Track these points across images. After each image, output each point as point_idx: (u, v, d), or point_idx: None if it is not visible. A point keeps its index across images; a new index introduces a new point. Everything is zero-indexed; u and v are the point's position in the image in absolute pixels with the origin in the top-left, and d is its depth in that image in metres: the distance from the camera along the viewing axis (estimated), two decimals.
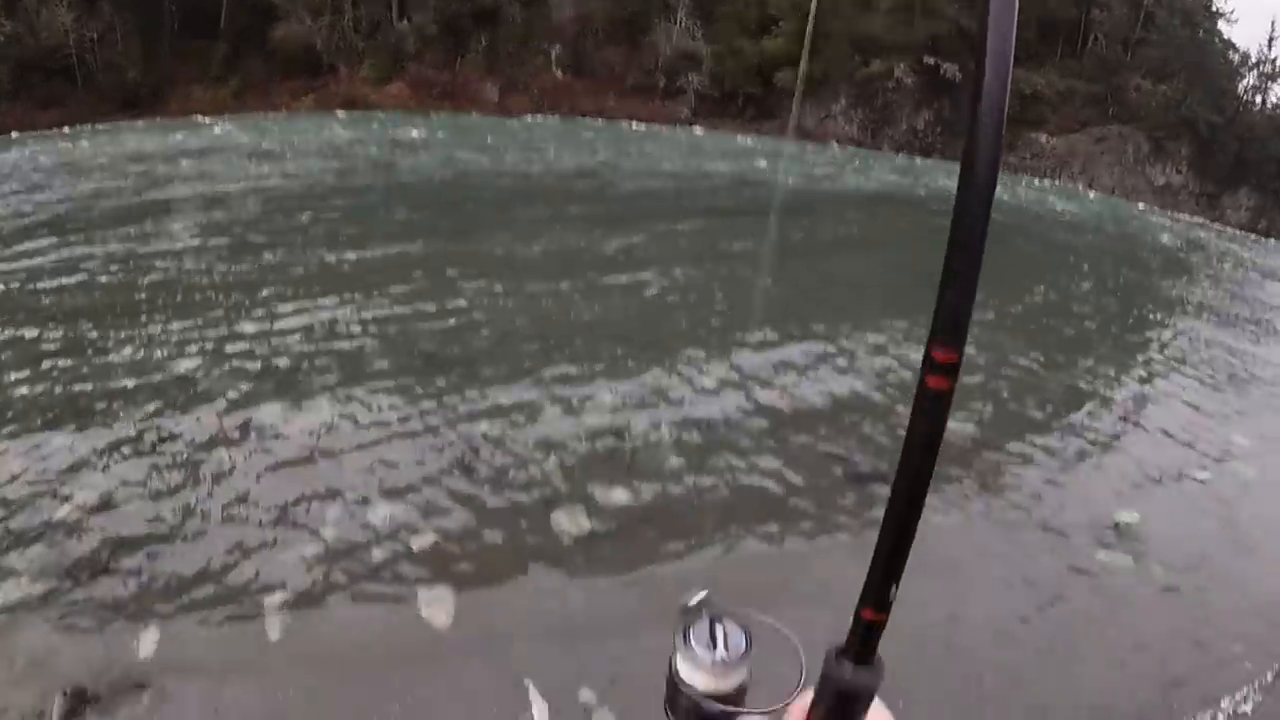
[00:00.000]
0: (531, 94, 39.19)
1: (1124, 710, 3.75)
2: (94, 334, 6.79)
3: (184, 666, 3.54)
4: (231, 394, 5.86)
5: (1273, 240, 42.77)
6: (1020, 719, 3.68)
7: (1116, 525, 5.18)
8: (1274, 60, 49.85)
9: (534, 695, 3.60)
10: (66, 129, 35.17)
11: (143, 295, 7.71)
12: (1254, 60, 49.91)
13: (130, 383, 5.94)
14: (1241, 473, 5.95)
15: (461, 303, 7.93)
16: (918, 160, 36.32)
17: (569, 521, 4.75)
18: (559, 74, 39.58)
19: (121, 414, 5.52)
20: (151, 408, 5.64)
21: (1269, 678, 4.01)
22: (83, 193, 13.50)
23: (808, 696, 0.62)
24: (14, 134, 29.52)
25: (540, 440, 5.54)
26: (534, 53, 39.48)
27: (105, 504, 4.58)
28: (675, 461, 5.34)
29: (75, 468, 4.89)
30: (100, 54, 46.57)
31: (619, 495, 5.03)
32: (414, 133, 26.01)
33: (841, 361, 7.16)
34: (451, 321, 7.47)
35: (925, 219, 15.48)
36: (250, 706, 3.43)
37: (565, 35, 39.68)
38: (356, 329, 7.31)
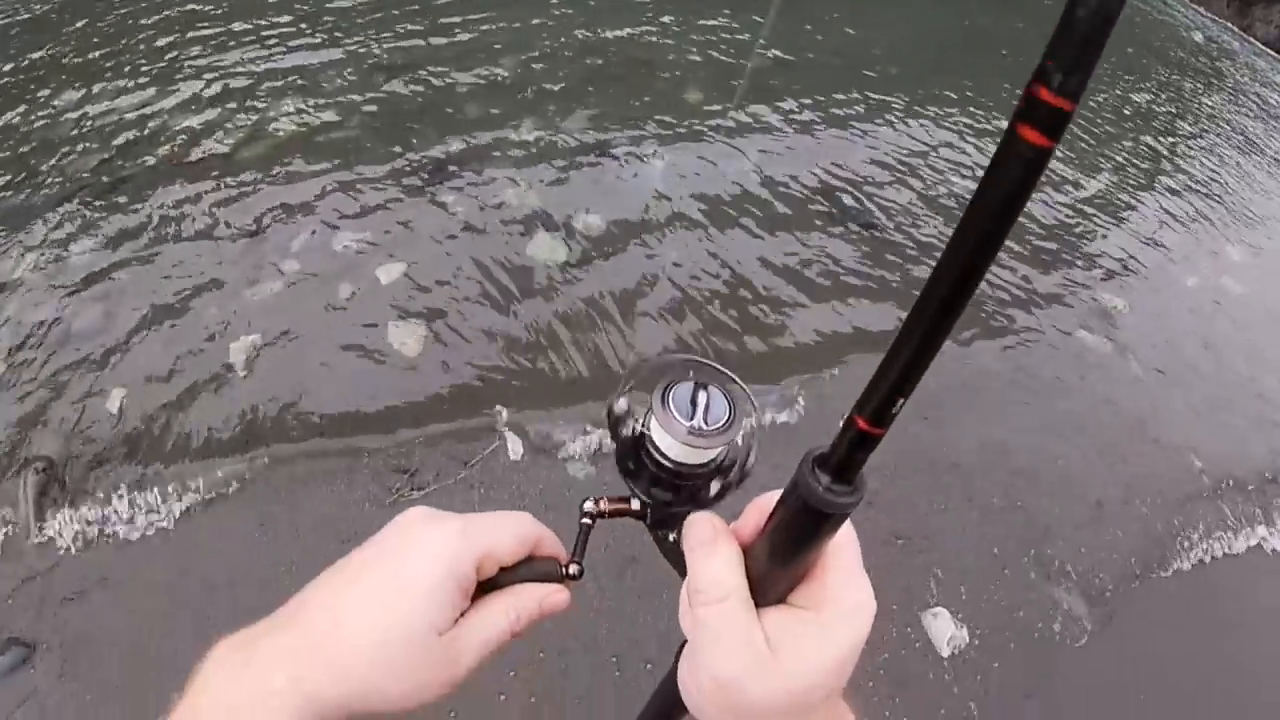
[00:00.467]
0: None
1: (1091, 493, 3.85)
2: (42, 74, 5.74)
3: (152, 420, 3.36)
4: (187, 124, 5.19)
5: None
6: (998, 488, 3.72)
7: (1104, 310, 5.08)
8: None
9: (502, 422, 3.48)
10: None
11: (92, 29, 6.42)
12: None
13: (78, 121, 5.22)
14: (1228, 287, 5.84)
15: (435, 21, 6.80)
16: None
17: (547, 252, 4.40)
18: None
19: (73, 157, 4.86)
20: (100, 146, 4.97)
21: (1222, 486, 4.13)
22: None
23: (773, 497, 0.54)
24: None
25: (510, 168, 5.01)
26: None
27: (58, 259, 4.11)
28: (655, 205, 4.90)
29: (21, 221, 4.34)
30: None
31: (594, 222, 4.63)
32: None
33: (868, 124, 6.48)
34: (418, 43, 6.46)
35: None
36: (220, 432, 3.31)
37: None
38: (317, 39, 6.31)
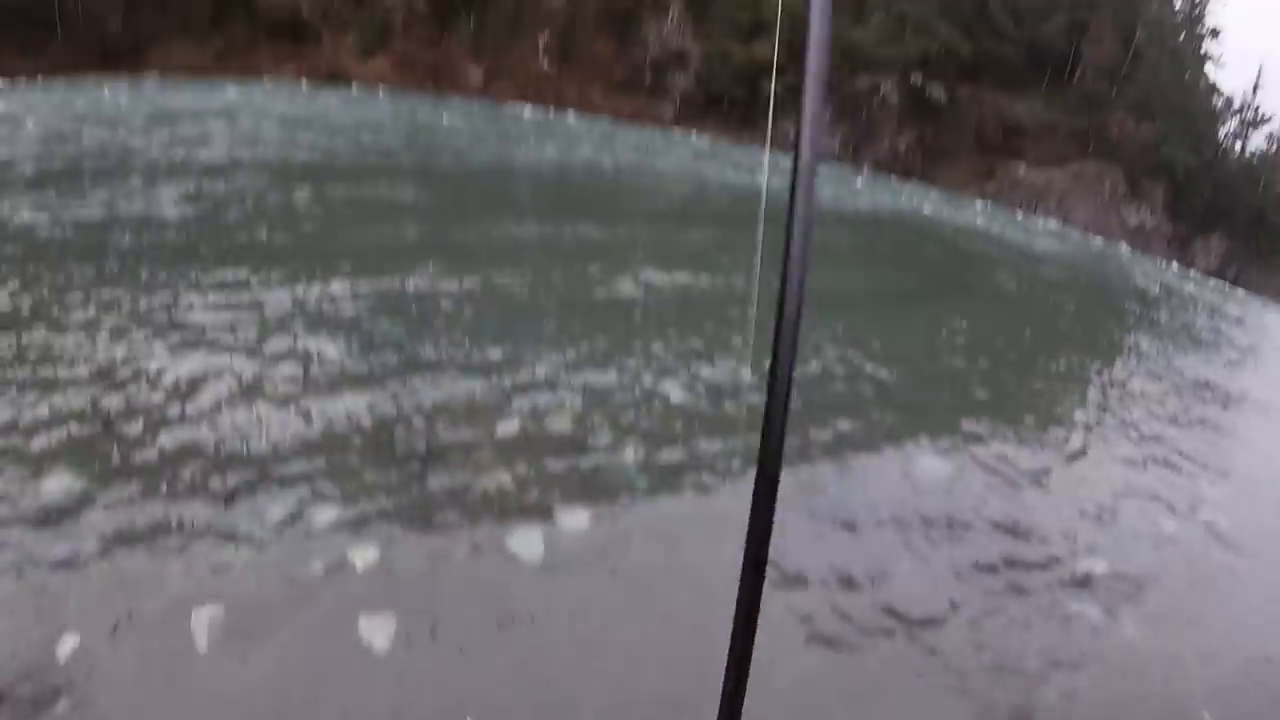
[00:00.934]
0: (516, 80, 38.34)
1: None
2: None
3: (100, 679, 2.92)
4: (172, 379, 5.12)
5: (1240, 290, 43.49)
6: None
7: (1086, 575, 4.58)
8: (1257, 107, 50.67)
9: None
10: (40, 78, 33.76)
11: (108, 260, 6.84)
12: (1237, 106, 50.68)
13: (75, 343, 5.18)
14: (1214, 522, 5.42)
15: (434, 286, 7.12)
16: (893, 179, 36.23)
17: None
18: (545, 63, 38.72)
19: (64, 376, 4.78)
20: (93, 373, 4.89)
21: None
22: (63, 150, 12.50)
23: None
24: None
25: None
26: (522, 38, 38.59)
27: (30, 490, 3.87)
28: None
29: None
30: (82, 3, 45.25)
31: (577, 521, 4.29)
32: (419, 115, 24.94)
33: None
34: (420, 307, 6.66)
35: (917, 240, 15.13)
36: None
37: (555, 23, 38.79)
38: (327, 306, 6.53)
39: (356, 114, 23.52)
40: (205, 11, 45.56)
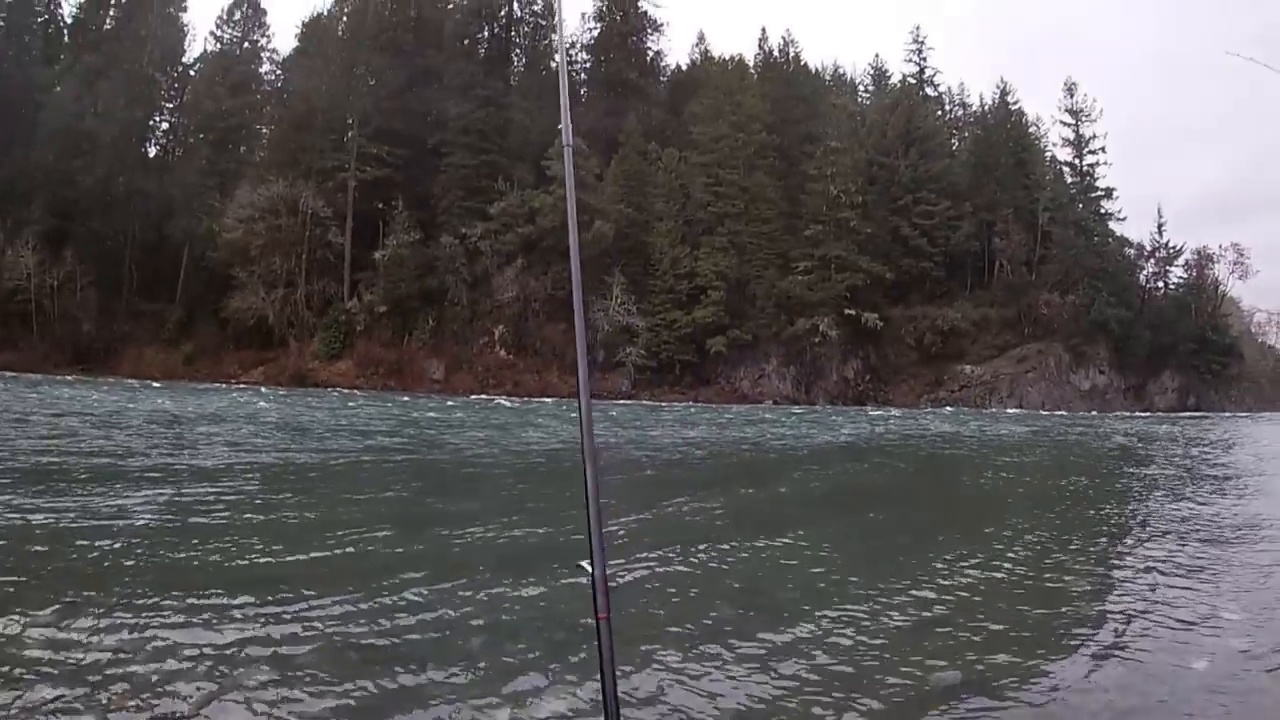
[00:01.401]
0: (476, 372, 40.77)
1: None
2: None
3: None
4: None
5: (1203, 414, 44.76)
6: None
7: None
8: (1166, 244, 53.96)
9: None
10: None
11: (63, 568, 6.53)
12: (1149, 250, 53.94)
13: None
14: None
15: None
16: (850, 409, 37.72)
17: None
18: (502, 352, 41.41)
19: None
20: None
21: None
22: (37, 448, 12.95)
23: None
24: None
25: None
26: (478, 332, 41.38)
27: None
28: None
29: None
30: (59, 302, 47.95)
31: None
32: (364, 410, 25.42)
33: None
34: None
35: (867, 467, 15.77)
36: None
37: (507, 315, 41.83)
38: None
39: (329, 414, 24.17)
40: (176, 317, 48.75)
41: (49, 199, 47.22)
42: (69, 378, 37.97)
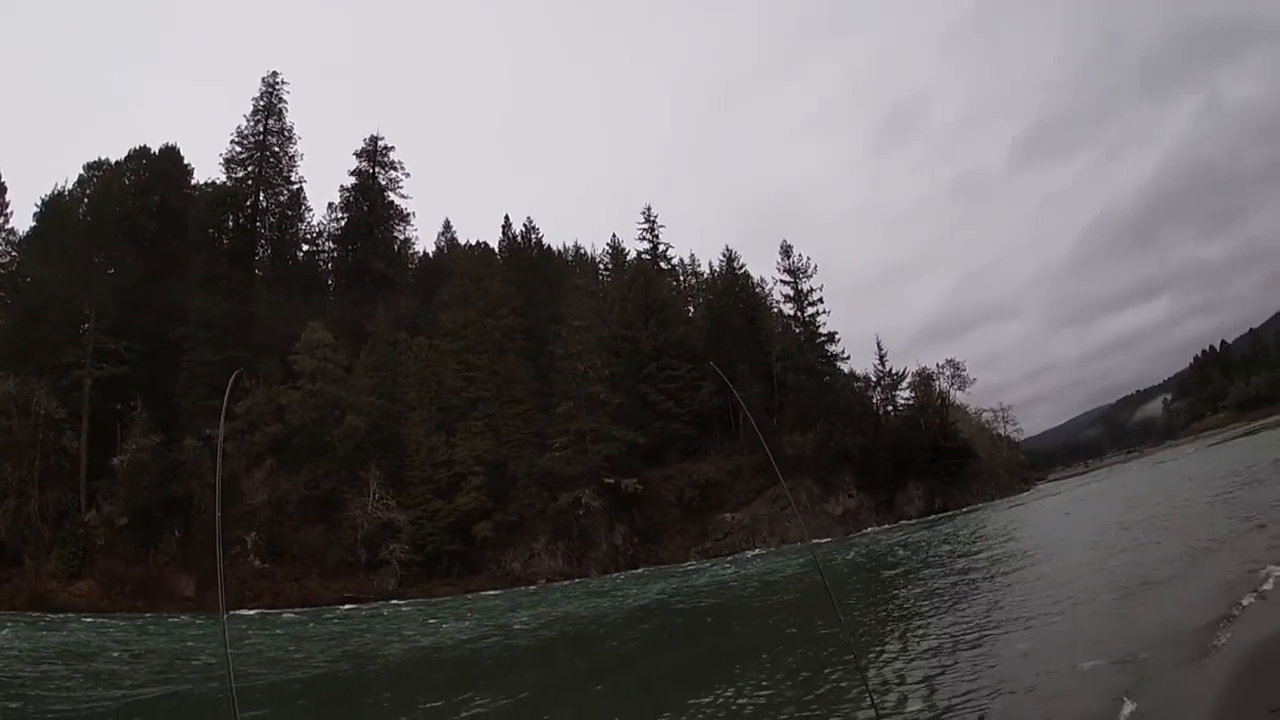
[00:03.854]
0: (230, 585, 37.77)
1: None
2: None
3: None
4: None
5: (949, 512, 50.59)
6: None
7: None
8: (890, 371, 61.92)
9: None
10: None
11: None
12: (874, 379, 61.65)
13: None
14: None
15: None
16: (620, 577, 38.82)
17: None
18: (256, 561, 38.83)
19: None
20: None
21: None
22: None
23: None
24: None
25: None
26: (229, 541, 38.65)
27: None
28: None
29: None
30: None
31: None
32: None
33: None
34: None
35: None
36: None
37: (259, 520, 39.56)
38: None
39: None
40: None
41: None
42: None
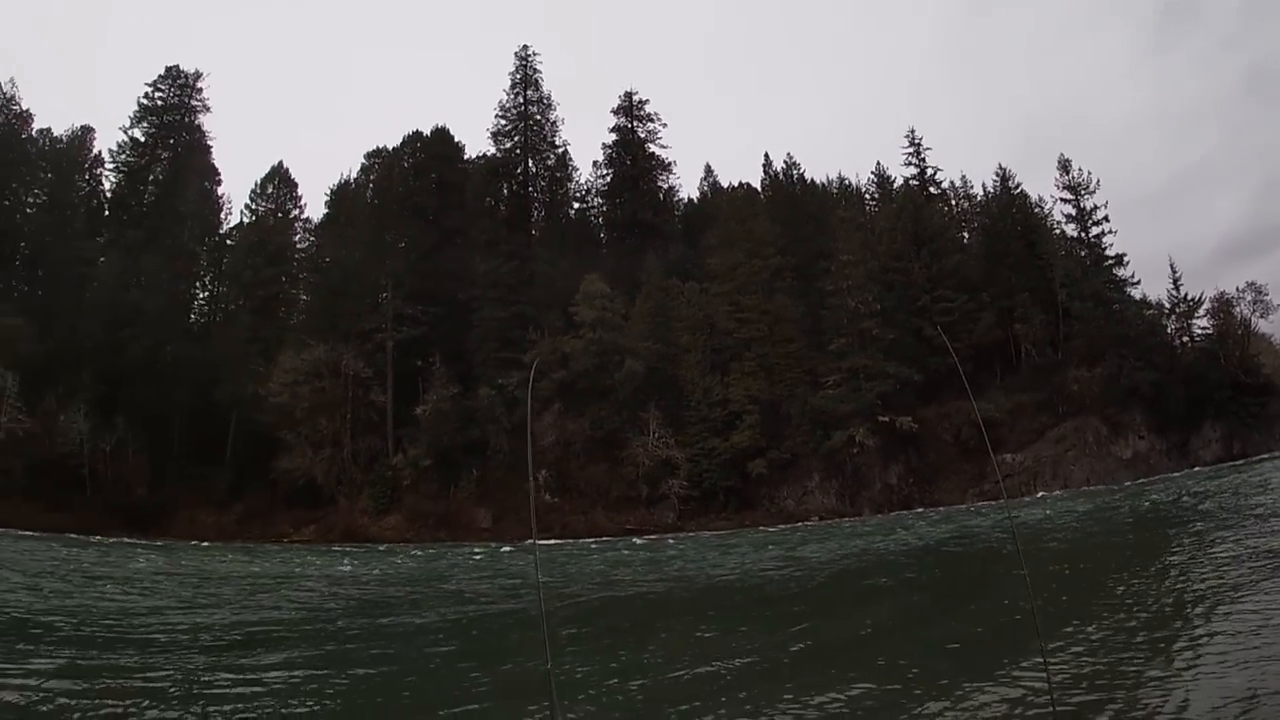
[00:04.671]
0: (523, 518, 41.63)
1: None
2: None
3: None
4: None
5: (1248, 461, 44.52)
6: None
7: None
8: (1185, 297, 54.03)
9: None
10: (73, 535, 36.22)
11: None
12: (1169, 307, 54.06)
13: None
14: None
15: None
16: (895, 514, 38.00)
17: None
18: (547, 496, 42.40)
19: None
20: None
21: None
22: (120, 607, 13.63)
23: None
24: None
25: None
26: (522, 478, 42.44)
27: None
28: None
29: None
30: (111, 467, 49.41)
31: None
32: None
33: None
34: None
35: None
36: None
37: (549, 459, 42.97)
38: None
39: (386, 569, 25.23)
40: (226, 481, 49.88)
41: (98, 366, 49.11)
42: (129, 541, 39.24)
